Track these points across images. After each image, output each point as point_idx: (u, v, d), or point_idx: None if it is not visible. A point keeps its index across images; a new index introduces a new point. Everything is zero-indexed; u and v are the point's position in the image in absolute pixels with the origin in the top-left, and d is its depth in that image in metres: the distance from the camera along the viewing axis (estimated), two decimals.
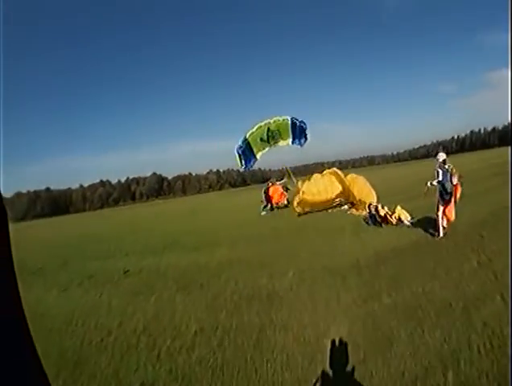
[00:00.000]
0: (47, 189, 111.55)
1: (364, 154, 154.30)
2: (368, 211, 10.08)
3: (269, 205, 17.94)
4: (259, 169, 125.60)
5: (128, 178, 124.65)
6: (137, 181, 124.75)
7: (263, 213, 17.32)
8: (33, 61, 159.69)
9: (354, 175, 13.74)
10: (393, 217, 9.02)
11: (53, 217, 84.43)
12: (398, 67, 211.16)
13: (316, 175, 14.77)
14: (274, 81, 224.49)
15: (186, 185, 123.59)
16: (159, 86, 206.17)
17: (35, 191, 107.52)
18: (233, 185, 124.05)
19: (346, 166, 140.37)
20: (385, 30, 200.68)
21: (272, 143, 17.29)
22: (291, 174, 17.42)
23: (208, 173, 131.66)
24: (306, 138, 16.93)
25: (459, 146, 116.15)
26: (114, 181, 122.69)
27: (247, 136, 16.64)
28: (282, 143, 17.34)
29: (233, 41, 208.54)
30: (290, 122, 16.52)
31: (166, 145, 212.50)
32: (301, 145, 16.84)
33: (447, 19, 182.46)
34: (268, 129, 16.74)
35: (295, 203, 14.02)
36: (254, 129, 16.77)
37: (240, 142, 16.46)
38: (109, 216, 44.39)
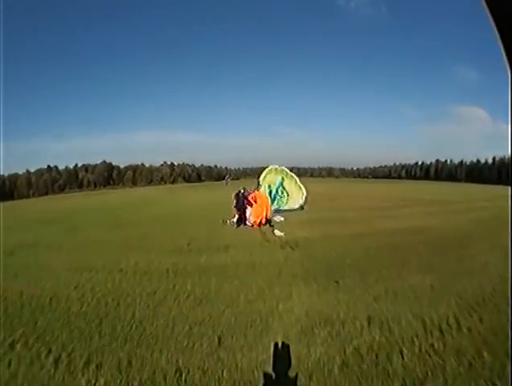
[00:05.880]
0: None
1: (322, 165, 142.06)
2: None
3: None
4: (215, 166, 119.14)
5: (76, 164, 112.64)
6: (86, 168, 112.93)
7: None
8: None
9: None
10: None
11: None
12: (366, 81, 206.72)
13: None
14: (239, 80, 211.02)
15: (137, 175, 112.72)
16: (118, 73, 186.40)
17: None
18: (187, 180, 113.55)
19: (304, 174, 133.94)
20: (356, 42, 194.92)
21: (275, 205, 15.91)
22: None
23: (161, 165, 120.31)
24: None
25: (423, 173, 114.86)
26: (62, 167, 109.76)
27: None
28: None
29: (198, 34, 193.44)
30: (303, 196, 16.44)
31: (120, 134, 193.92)
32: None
33: (420, 46, 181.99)
34: (282, 180, 16.27)
35: None
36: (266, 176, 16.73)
37: None
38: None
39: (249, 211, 13.05)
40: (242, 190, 13.77)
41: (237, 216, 13.39)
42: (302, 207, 16.34)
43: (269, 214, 13.34)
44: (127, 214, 19.40)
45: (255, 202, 13.09)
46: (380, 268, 7.62)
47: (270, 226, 12.41)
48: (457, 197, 26.59)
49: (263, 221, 12.97)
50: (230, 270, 7.22)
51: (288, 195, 16.44)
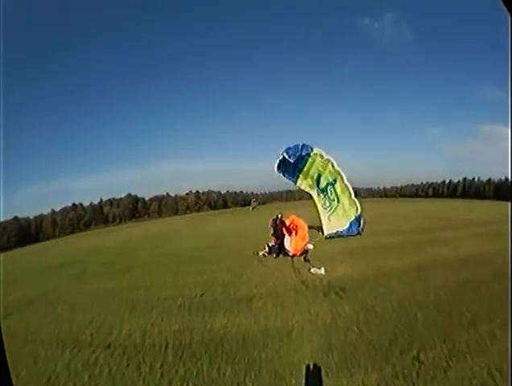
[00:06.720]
0: (15, 218, 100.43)
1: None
2: None
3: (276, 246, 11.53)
4: (241, 191, 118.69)
5: (101, 199, 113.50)
6: (110, 202, 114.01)
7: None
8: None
9: None
10: None
11: (18, 248, 72.43)
12: (391, 101, 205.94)
13: None
14: (263, 104, 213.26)
15: (162, 206, 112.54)
16: (137, 104, 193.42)
17: (1, 223, 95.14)
18: (213, 207, 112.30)
19: None
20: (383, 63, 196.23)
21: (320, 201, 13.39)
22: None
23: (187, 194, 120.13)
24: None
25: (451, 191, 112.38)
26: (87, 203, 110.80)
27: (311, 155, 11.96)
28: (330, 218, 13.17)
29: (224, 60, 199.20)
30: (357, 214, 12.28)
31: (144, 166, 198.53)
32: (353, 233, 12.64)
33: (445, 64, 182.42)
34: (334, 181, 12.35)
35: None
36: (320, 160, 12.16)
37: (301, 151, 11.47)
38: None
39: (287, 239, 11.28)
40: (280, 216, 12.03)
41: (267, 247, 11.73)
42: (358, 232, 12.65)
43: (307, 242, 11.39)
44: (142, 252, 17.73)
45: (294, 229, 11.45)
46: (465, 323, 5.35)
47: (305, 260, 10.25)
48: (499, 216, 22.81)
49: (304, 250, 11.14)
50: (255, 345, 5.02)
51: (339, 202, 12.68)
